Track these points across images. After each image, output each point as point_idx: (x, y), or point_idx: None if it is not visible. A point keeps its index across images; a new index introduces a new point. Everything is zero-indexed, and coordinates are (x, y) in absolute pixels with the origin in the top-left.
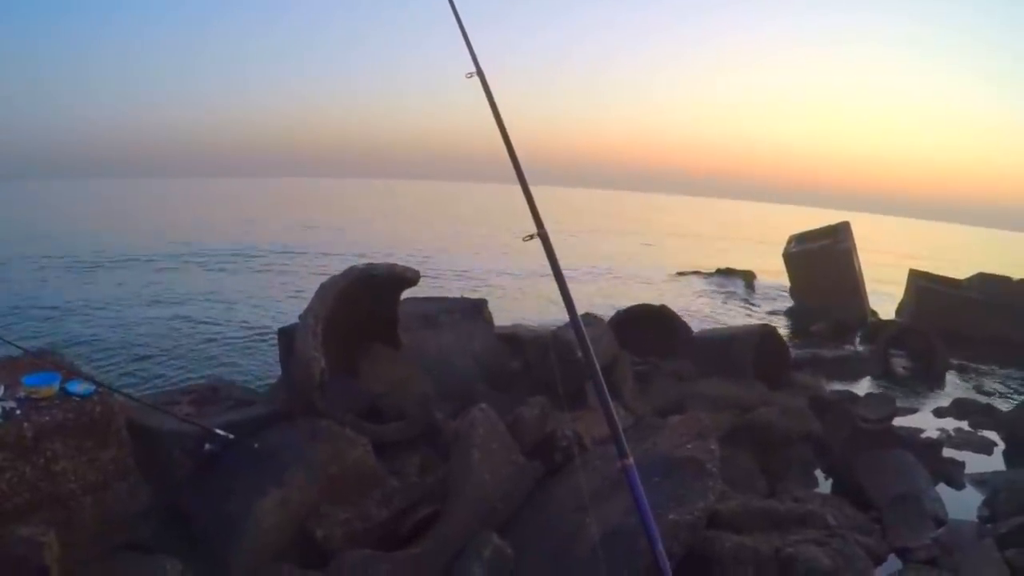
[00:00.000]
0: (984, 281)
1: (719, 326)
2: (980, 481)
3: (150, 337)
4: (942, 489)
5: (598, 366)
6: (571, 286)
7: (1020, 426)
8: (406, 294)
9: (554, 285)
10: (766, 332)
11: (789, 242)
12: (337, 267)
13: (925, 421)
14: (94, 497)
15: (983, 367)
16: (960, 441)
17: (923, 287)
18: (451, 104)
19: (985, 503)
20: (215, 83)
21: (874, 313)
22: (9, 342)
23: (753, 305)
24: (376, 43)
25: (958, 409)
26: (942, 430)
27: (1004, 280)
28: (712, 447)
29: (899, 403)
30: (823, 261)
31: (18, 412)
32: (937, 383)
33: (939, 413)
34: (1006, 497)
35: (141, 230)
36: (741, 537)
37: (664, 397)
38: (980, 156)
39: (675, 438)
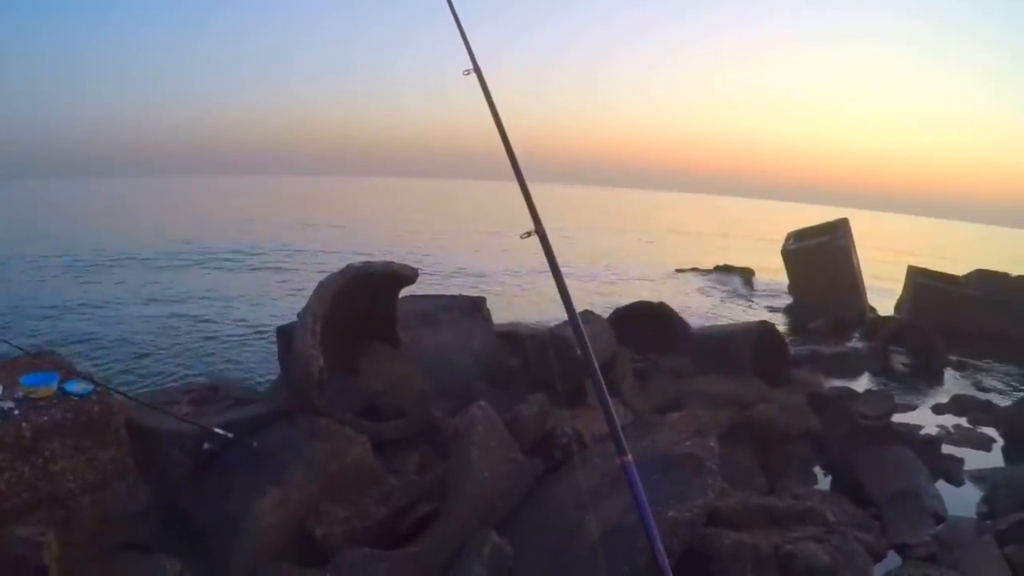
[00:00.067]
0: (982, 278)
1: (718, 323)
2: (979, 477)
3: (149, 335)
4: (941, 486)
5: (596, 364)
6: (570, 283)
7: (1019, 422)
8: (404, 292)
9: (553, 283)
10: (765, 329)
11: (787, 239)
12: (336, 265)
13: (924, 418)
14: (93, 497)
15: (982, 363)
16: (959, 437)
17: (921, 284)
18: (449, 101)
19: (984, 499)
20: (213, 81)
21: (872, 310)
22: (6, 342)
23: (752, 302)
24: (373, 40)
25: (957, 405)
26: (941, 426)
27: (1002, 276)
28: (711, 444)
29: (898, 400)
30: (822, 258)
31: (16, 412)
32: (936, 380)
33: (938, 410)
34: (1005, 493)
35: (140, 228)
36: (740, 534)
37: (663, 394)
38: (979, 153)
39: (674, 435)
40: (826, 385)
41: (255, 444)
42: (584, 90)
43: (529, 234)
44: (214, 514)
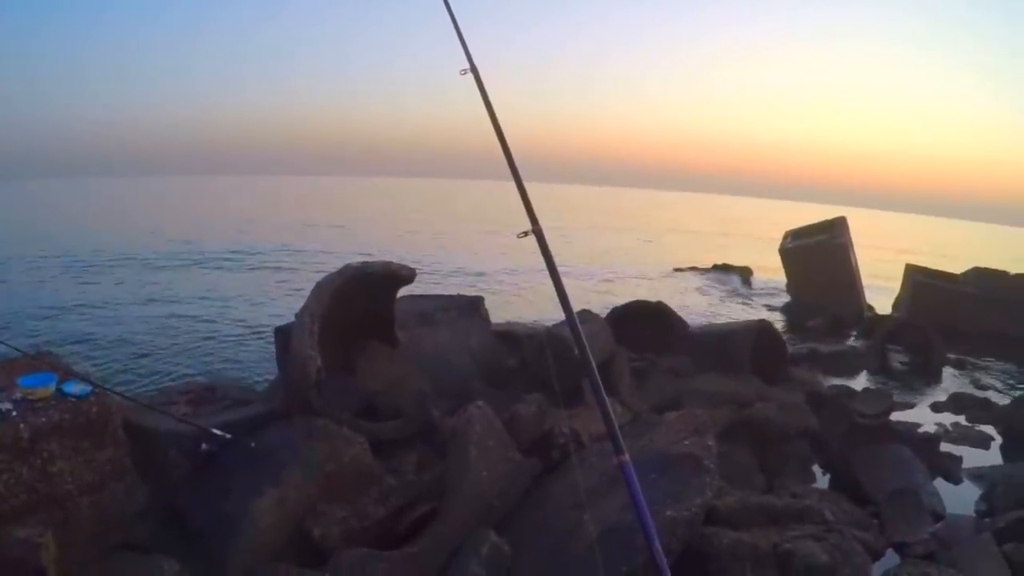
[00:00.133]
0: (980, 276)
1: (716, 322)
2: (978, 476)
3: (148, 335)
4: (940, 484)
5: (594, 363)
6: (568, 283)
7: (1017, 420)
8: (402, 292)
9: (551, 282)
10: (763, 328)
11: (785, 238)
12: (334, 265)
13: (922, 416)
14: (91, 498)
15: (980, 362)
16: (957, 436)
17: (920, 282)
18: (447, 101)
19: (983, 497)
20: (211, 81)
21: (871, 308)
22: (4, 343)
23: (750, 301)
24: (371, 40)
25: (955, 404)
26: (939, 425)
27: (1000, 275)
28: (709, 443)
29: (896, 398)
30: (820, 256)
31: (14, 413)
32: (934, 378)
33: (936, 408)
34: (1004, 491)
35: (139, 229)
36: (739, 533)
37: (661, 393)
38: (978, 151)
39: (672, 434)
40: (824, 384)
41: (253, 444)
42: (583, 89)
43: (526, 234)
44: (212, 514)
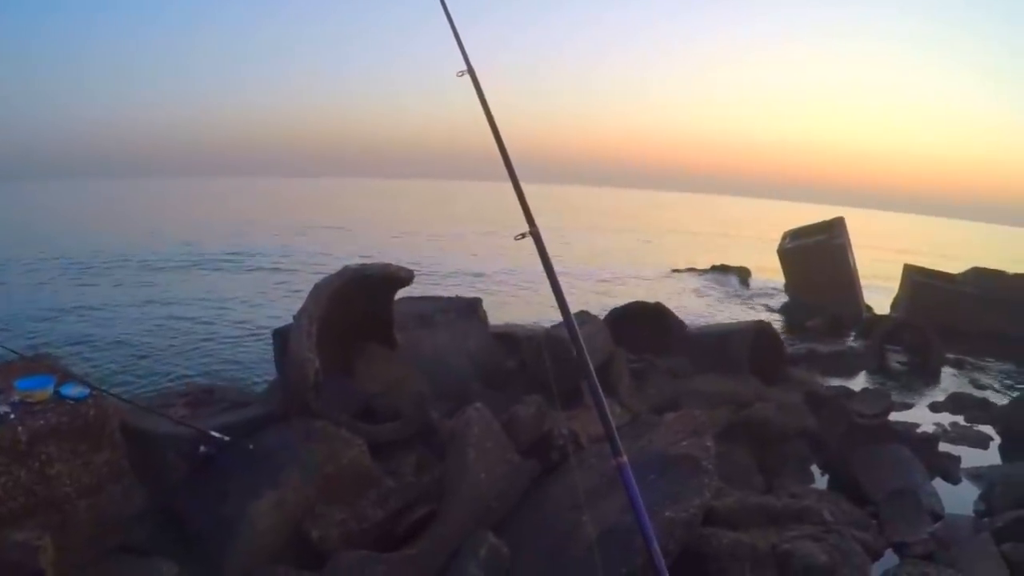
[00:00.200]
0: (979, 276)
1: (715, 323)
2: (976, 475)
3: (146, 337)
4: (938, 484)
5: (591, 365)
6: (567, 284)
7: (1016, 420)
8: (401, 294)
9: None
10: (761, 328)
11: (784, 238)
12: (332, 267)
13: (921, 416)
14: (89, 500)
15: (978, 362)
16: (956, 436)
17: (918, 282)
18: (446, 102)
19: (981, 497)
20: (210, 81)
21: (869, 308)
22: (1, 345)
23: (748, 301)
24: (369, 41)
25: (954, 404)
26: (938, 425)
27: (999, 275)
28: (708, 444)
29: (895, 398)
30: (818, 257)
31: (12, 416)
32: (932, 378)
33: (935, 408)
34: (1002, 491)
35: (138, 230)
36: (737, 533)
37: (660, 394)
38: (977, 152)
39: (671, 435)
40: (823, 384)
41: (251, 447)
42: (581, 89)
43: (523, 235)
44: (210, 517)
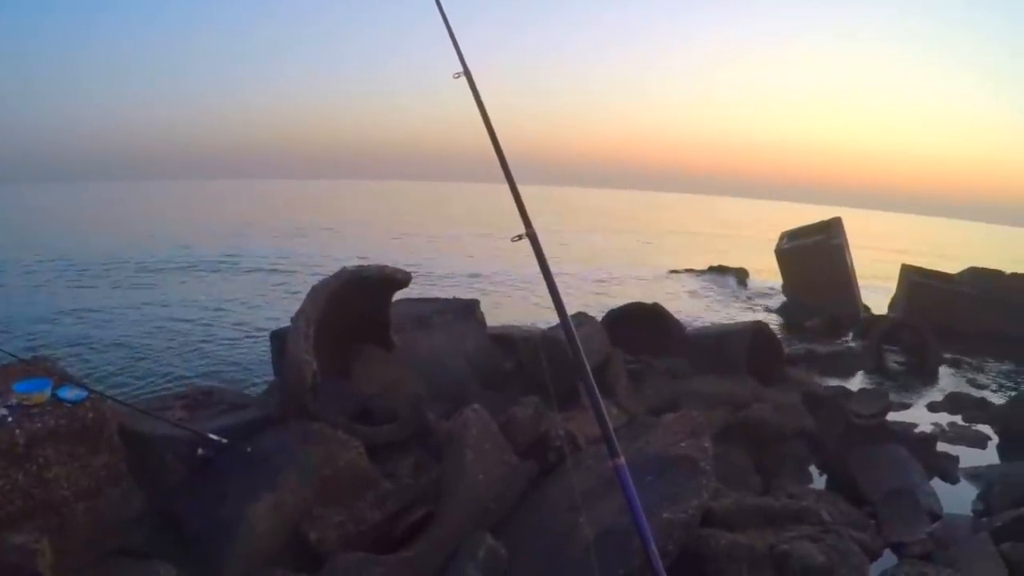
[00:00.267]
0: (976, 275)
1: (712, 324)
2: (974, 475)
3: (144, 339)
4: (936, 484)
5: (588, 367)
6: (565, 285)
7: (1014, 420)
8: (398, 295)
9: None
10: (759, 329)
11: (781, 239)
12: (330, 268)
13: (919, 416)
14: (87, 503)
15: (976, 361)
16: (954, 435)
17: (915, 282)
18: (442, 102)
19: (980, 497)
20: (207, 83)
21: (867, 308)
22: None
23: (746, 302)
24: (365, 42)
25: (952, 403)
26: (936, 425)
27: (996, 274)
28: (705, 445)
29: (892, 398)
30: (816, 257)
31: (10, 419)
32: (930, 378)
33: (933, 408)
34: (1000, 491)
35: (136, 233)
36: (735, 535)
37: (658, 395)
38: (977, 152)
39: (668, 436)
40: (821, 384)
41: (249, 449)
42: (580, 90)
43: (520, 237)
44: (208, 519)
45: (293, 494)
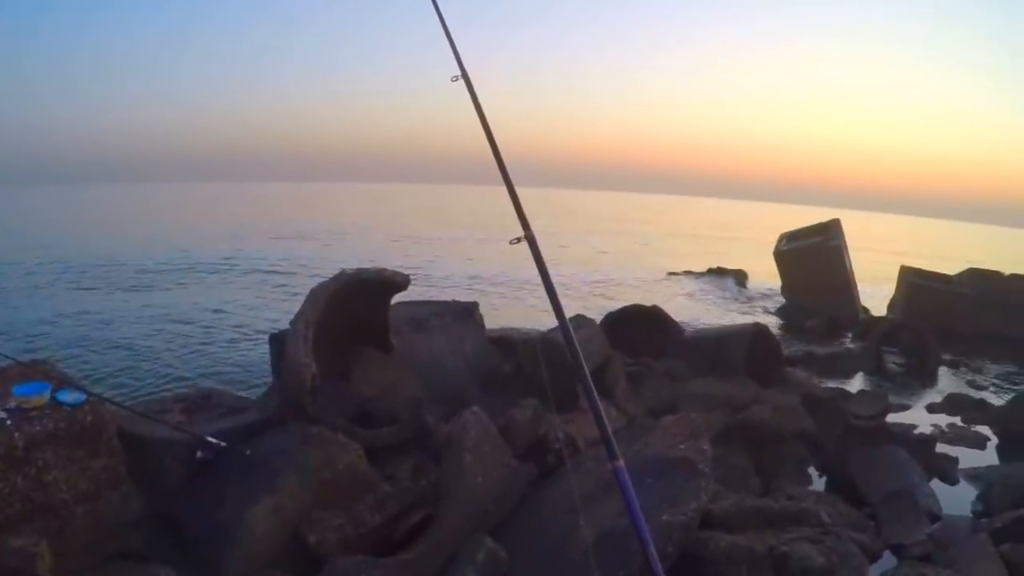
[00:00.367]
0: (975, 277)
1: (711, 325)
2: (974, 476)
3: (143, 341)
4: (936, 485)
5: (587, 369)
6: (563, 287)
7: (1013, 421)
8: (397, 298)
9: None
10: (758, 331)
11: (780, 240)
12: (329, 271)
13: (918, 417)
14: (86, 506)
15: (975, 362)
16: (953, 436)
17: (914, 283)
18: (441, 104)
19: (979, 498)
20: (204, 86)
21: (866, 310)
22: None
23: (745, 304)
24: (364, 44)
25: (951, 405)
26: (935, 426)
27: (995, 275)
28: (704, 447)
29: (892, 399)
30: (814, 259)
31: (9, 422)
32: (929, 379)
33: (932, 409)
34: (1000, 492)
35: (135, 235)
36: (735, 536)
37: (657, 397)
38: (977, 152)
39: (667, 438)
40: (820, 386)
41: (248, 452)
42: (579, 92)
43: (519, 240)
44: (207, 522)
45: (292, 497)
